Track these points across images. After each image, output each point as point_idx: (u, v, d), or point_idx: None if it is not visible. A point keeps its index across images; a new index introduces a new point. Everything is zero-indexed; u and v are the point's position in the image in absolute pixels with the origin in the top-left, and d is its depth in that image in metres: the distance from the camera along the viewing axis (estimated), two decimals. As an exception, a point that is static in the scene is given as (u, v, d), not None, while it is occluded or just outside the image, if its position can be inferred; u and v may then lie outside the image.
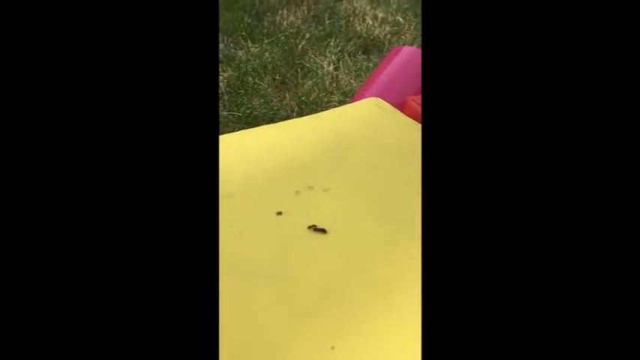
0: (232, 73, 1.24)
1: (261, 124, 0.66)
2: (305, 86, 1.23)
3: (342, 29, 1.47)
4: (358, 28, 1.49)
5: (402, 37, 1.49)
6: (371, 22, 1.52)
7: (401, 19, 1.55)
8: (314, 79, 1.25)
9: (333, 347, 0.38)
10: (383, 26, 1.51)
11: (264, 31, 1.41)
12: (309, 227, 0.48)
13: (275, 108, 1.16)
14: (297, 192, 0.53)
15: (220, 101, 1.16)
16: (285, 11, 1.51)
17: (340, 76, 1.29)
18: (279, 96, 1.20)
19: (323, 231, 0.48)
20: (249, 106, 1.15)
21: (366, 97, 0.77)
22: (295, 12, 1.53)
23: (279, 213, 0.50)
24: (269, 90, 1.20)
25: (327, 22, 1.50)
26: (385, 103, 0.72)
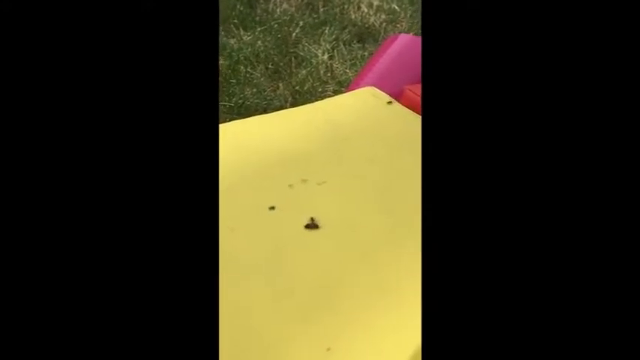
0: (224, 62, 1.21)
1: (254, 115, 0.64)
2: (299, 75, 1.20)
3: (337, 17, 1.44)
4: (353, 16, 1.46)
5: (398, 25, 1.46)
6: (366, 10, 1.49)
7: (396, 7, 1.52)
8: (308, 68, 1.23)
9: (328, 349, 0.36)
10: (378, 14, 1.48)
11: (257, 18, 1.38)
12: (306, 226, 0.46)
13: (268, 98, 1.13)
14: (290, 185, 0.51)
15: (212, 91, 1.13)
16: (278, -2, 1.48)
17: (335, 65, 1.26)
18: (272, 85, 1.18)
19: (315, 226, 0.46)
20: (242, 96, 1.12)
21: (361, 87, 0.75)
22: (289, -1, 1.49)
23: (272, 208, 0.48)
24: (262, 79, 1.18)
25: (322, 9, 1.47)
26: (381, 92, 0.70)
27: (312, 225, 0.46)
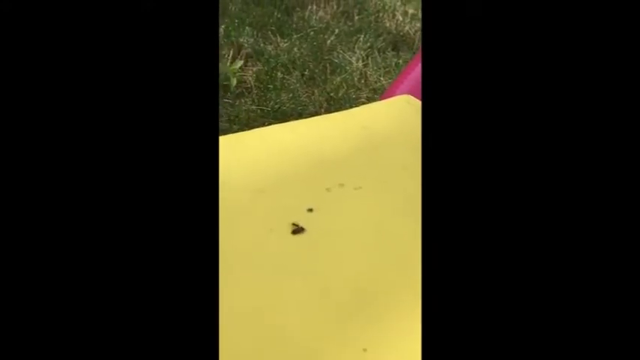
0: (261, 68, 1.24)
1: (290, 120, 0.66)
2: (334, 82, 1.22)
3: (372, 25, 1.46)
4: (388, 24, 1.47)
5: (433, 33, 1.46)
6: (401, 19, 1.50)
7: (432, 16, 1.52)
8: (343, 75, 1.24)
9: (365, 350, 0.37)
10: (413, 22, 1.49)
11: (294, 26, 1.41)
12: (292, 225, 0.47)
13: (303, 103, 1.15)
14: (328, 189, 0.52)
15: (249, 95, 1.16)
16: (314, 6, 1.50)
17: (369, 72, 1.27)
18: (307, 91, 1.20)
19: (301, 229, 0.47)
20: (278, 100, 1.15)
21: (397, 95, 0.76)
22: (324, 7, 1.52)
23: (310, 210, 0.49)
24: (297, 85, 1.20)
25: (357, 17, 1.48)
26: (417, 100, 0.71)
27: (298, 230, 0.47)
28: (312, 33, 1.38)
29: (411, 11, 1.54)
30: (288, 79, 1.21)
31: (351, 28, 1.43)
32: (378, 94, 1.20)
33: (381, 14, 1.51)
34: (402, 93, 0.76)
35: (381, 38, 1.40)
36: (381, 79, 1.25)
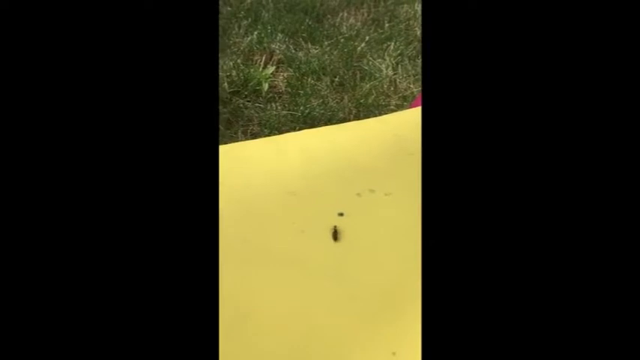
0: (292, 74, 1.25)
1: (319, 125, 0.67)
2: (363, 89, 1.23)
3: (402, 33, 1.46)
4: (418, 32, 1.47)
5: (464, 42, 1.46)
6: (432, 26, 1.49)
7: (463, 24, 1.51)
8: (372, 82, 1.25)
9: (394, 353, 0.37)
10: (444, 30, 1.48)
11: (324, 33, 1.42)
12: (332, 229, 0.48)
13: (333, 109, 1.16)
14: (358, 194, 0.53)
15: (280, 100, 1.18)
16: (345, 14, 1.52)
17: (399, 79, 1.28)
18: (337, 97, 1.21)
19: (337, 233, 0.47)
20: (308, 106, 1.16)
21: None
22: (355, 14, 1.53)
23: (341, 214, 0.50)
24: (327, 91, 1.21)
25: (387, 25, 1.49)
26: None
27: (335, 234, 0.47)
28: (342, 40, 1.39)
29: (442, 19, 1.53)
30: (318, 85, 1.23)
31: (382, 36, 1.43)
32: (407, 101, 1.20)
33: (411, 22, 1.51)
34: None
35: (412, 46, 1.40)
36: (411, 86, 1.26)
